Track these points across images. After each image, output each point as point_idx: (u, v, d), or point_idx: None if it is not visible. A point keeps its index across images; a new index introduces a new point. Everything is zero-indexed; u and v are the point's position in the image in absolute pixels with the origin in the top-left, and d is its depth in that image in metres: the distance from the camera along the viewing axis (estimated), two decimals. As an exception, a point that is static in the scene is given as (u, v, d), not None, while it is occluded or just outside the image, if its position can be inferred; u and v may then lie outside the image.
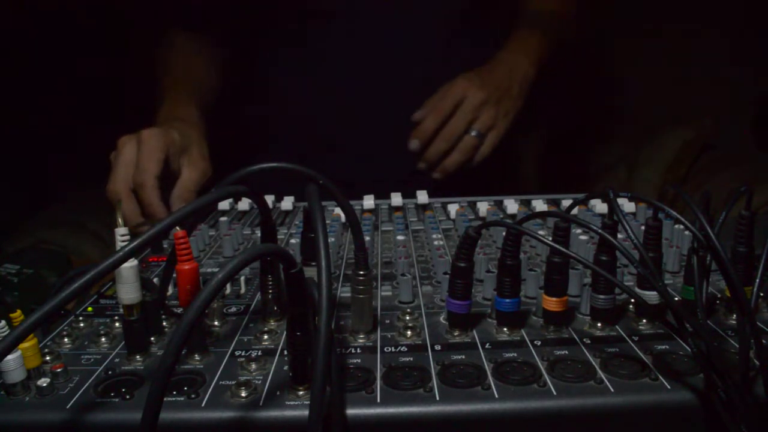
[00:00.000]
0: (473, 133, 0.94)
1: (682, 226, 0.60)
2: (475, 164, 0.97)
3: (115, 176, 0.78)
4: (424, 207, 0.81)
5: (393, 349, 0.44)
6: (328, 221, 0.67)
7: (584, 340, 0.44)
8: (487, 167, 1.03)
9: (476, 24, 1.07)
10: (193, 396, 0.38)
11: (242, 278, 0.56)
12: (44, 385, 0.39)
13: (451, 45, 1.05)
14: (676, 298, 0.49)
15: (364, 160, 1.02)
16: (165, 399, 0.29)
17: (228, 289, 0.54)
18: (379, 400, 0.38)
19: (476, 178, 1.01)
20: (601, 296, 0.45)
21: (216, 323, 0.48)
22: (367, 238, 0.65)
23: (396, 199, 0.82)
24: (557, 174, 1.60)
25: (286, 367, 0.40)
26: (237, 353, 0.44)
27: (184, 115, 0.92)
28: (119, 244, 0.42)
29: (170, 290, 0.52)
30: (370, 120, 1.03)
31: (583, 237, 0.60)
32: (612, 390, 0.38)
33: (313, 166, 0.43)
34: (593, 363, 0.41)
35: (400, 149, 0.97)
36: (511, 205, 0.78)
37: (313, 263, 0.46)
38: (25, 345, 0.39)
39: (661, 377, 0.39)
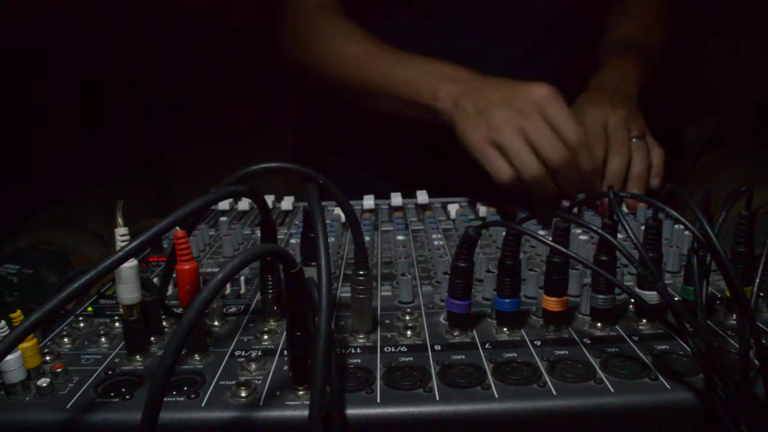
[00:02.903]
0: (634, 139, 0.82)
1: (682, 226, 0.60)
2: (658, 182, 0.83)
3: (525, 155, 0.69)
4: (424, 207, 0.81)
5: (393, 349, 0.44)
6: (328, 221, 0.67)
7: (584, 340, 0.44)
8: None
9: (550, 50, 1.01)
10: (193, 396, 0.38)
11: (242, 278, 0.56)
12: (44, 385, 0.39)
13: (522, 70, 0.91)
14: (676, 298, 0.49)
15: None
16: (165, 399, 0.29)
17: (228, 289, 0.54)
18: (379, 400, 0.38)
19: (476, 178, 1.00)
20: (601, 296, 0.45)
21: (216, 323, 0.48)
22: (367, 238, 0.65)
23: (396, 199, 0.82)
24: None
25: (286, 367, 0.40)
26: (237, 353, 0.44)
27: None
28: (119, 244, 0.42)
29: (170, 290, 0.52)
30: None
31: (583, 237, 0.60)
32: (612, 390, 0.38)
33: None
34: (593, 363, 0.41)
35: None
36: (511, 205, 0.78)
37: (313, 263, 0.46)
38: (25, 345, 0.39)
39: (661, 377, 0.39)
